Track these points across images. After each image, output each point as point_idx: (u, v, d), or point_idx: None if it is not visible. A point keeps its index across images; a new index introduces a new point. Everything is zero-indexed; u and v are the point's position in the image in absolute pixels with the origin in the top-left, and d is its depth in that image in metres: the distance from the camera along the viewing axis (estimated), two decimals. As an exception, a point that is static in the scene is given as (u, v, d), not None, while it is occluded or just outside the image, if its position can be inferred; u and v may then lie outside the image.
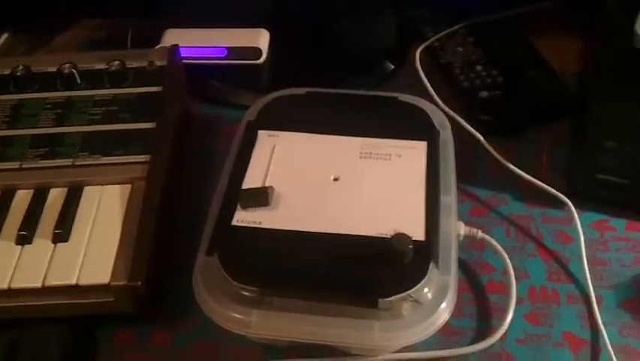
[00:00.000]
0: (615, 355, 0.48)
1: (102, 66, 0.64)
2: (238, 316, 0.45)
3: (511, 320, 0.50)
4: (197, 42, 0.72)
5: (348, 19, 0.78)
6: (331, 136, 0.56)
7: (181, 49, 0.68)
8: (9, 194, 0.55)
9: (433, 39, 0.74)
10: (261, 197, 0.51)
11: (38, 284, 0.49)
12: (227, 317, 0.45)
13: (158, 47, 0.70)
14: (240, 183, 0.52)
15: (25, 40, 0.82)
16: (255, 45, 0.72)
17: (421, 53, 0.72)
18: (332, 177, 0.53)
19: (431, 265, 0.46)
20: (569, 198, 0.57)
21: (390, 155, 0.54)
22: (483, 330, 0.51)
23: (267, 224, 0.49)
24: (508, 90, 0.67)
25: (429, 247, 0.47)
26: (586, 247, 0.54)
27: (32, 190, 0.55)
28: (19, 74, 0.64)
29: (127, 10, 0.78)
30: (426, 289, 0.45)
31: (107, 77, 0.63)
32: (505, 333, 0.50)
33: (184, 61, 0.68)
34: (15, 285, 0.49)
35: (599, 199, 0.58)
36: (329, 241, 0.48)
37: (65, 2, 0.77)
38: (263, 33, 0.74)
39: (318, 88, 0.61)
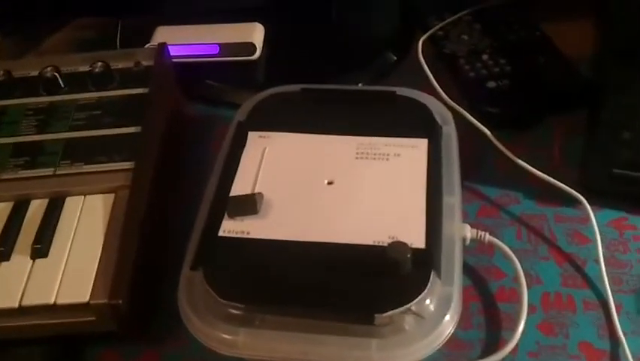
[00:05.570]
0: (637, 367, 0.45)
1: (86, 68, 0.61)
2: (224, 335, 0.42)
3: (523, 331, 0.46)
4: (189, 39, 0.69)
5: (347, 9, 0.75)
6: (326, 136, 0.53)
7: (172, 47, 0.65)
8: (-13, 207, 0.52)
9: (436, 27, 0.70)
10: (250, 205, 0.47)
11: (15, 304, 0.46)
12: (213, 336, 0.42)
13: (147, 46, 0.67)
14: (229, 190, 0.49)
15: (15, 42, 0.80)
16: (248, 40, 0.69)
17: (423, 42, 0.68)
18: (326, 181, 0.50)
19: (432, 275, 0.43)
20: (584, 196, 0.53)
21: (388, 155, 0.51)
22: (493, 342, 0.47)
23: (255, 234, 0.46)
24: (517, 80, 0.63)
25: (430, 255, 0.44)
26: (603, 248, 0.51)
27: (12, 202, 0.52)
28: (0, 79, 0.61)
29: (117, 8, 0.75)
30: (427, 301, 0.42)
31: (91, 80, 0.60)
32: (516, 345, 0.46)
33: (176, 60, 0.65)
34: (-9, 306, 0.46)
35: (616, 196, 0.54)
36: (322, 252, 0.45)
37: (54, 2, 0.74)
38: (257, 27, 0.70)
39: (317, 83, 0.58)
